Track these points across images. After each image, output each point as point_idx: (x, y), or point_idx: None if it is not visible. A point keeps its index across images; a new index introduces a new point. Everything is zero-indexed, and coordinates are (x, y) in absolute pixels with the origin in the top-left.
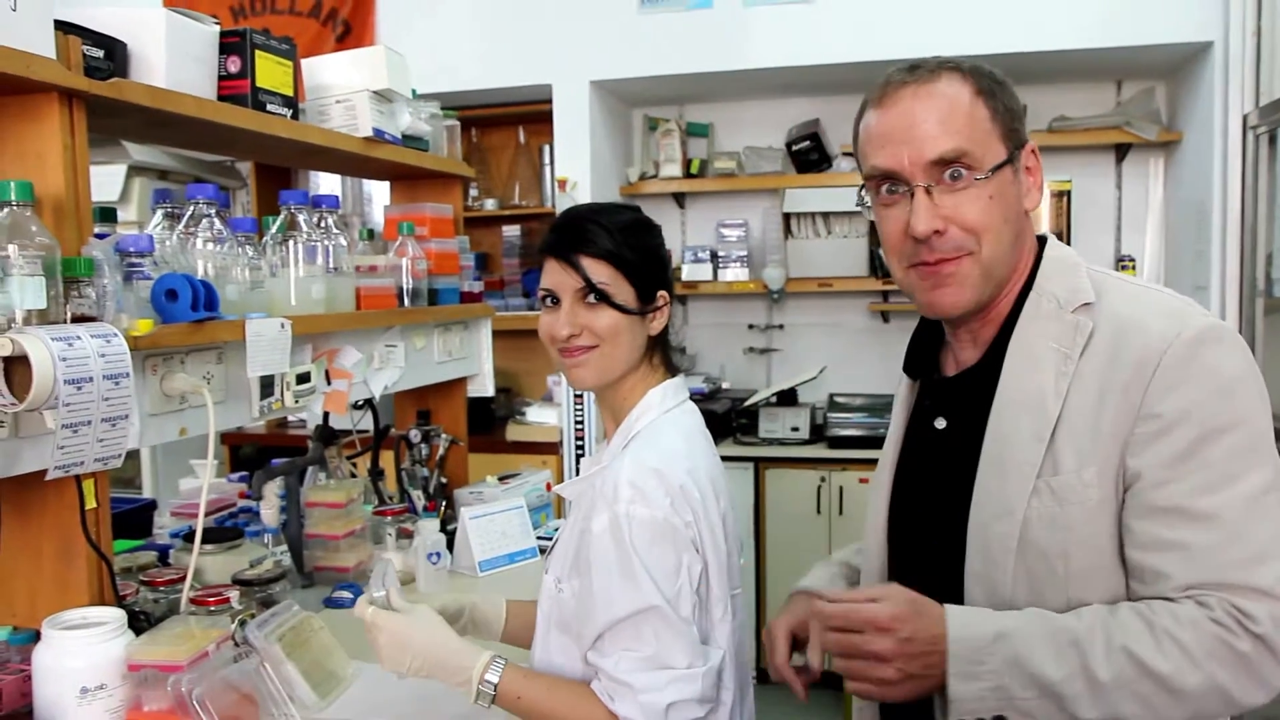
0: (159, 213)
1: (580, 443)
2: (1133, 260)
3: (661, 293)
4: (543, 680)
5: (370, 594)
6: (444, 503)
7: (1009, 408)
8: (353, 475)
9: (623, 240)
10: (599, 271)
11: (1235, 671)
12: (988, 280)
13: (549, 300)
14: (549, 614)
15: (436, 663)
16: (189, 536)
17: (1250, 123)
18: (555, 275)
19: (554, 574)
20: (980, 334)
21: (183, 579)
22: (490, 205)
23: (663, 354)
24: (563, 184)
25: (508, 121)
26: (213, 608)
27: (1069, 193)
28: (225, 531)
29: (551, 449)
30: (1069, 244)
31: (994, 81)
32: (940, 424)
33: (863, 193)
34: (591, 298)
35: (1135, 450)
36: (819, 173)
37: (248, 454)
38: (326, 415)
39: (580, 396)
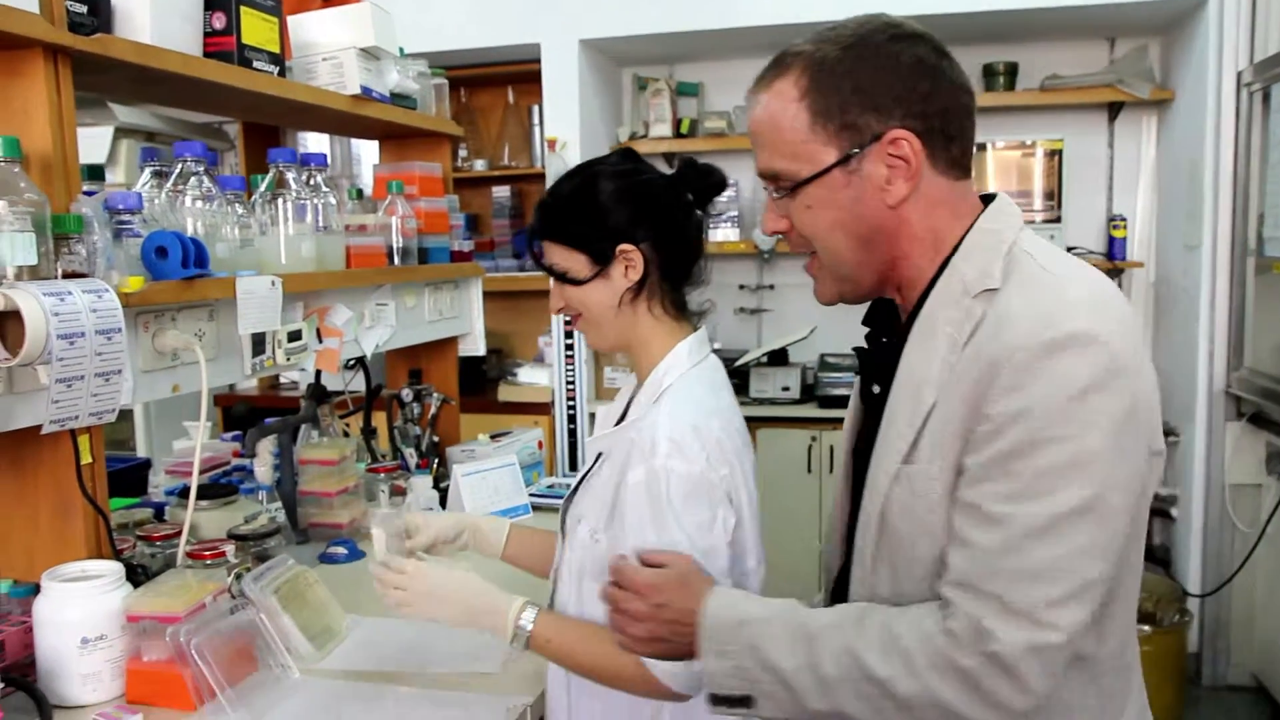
0: (146, 171)
1: (572, 403)
2: (1124, 220)
3: (621, 246)
4: (575, 627)
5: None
6: (436, 460)
7: (899, 388)
8: (345, 434)
9: (563, 212)
10: (552, 253)
11: (957, 687)
12: (840, 280)
13: None
14: (582, 564)
15: (471, 609)
16: (185, 494)
17: (1244, 80)
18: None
19: (589, 525)
20: (907, 302)
21: (179, 534)
22: (480, 166)
23: (663, 300)
24: (552, 144)
25: (497, 81)
26: (209, 561)
27: (1060, 152)
28: (220, 488)
29: (543, 409)
30: (1058, 205)
31: (845, 70)
32: (875, 389)
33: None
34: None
35: (970, 449)
36: None
37: (240, 413)
38: (318, 374)
39: (571, 357)
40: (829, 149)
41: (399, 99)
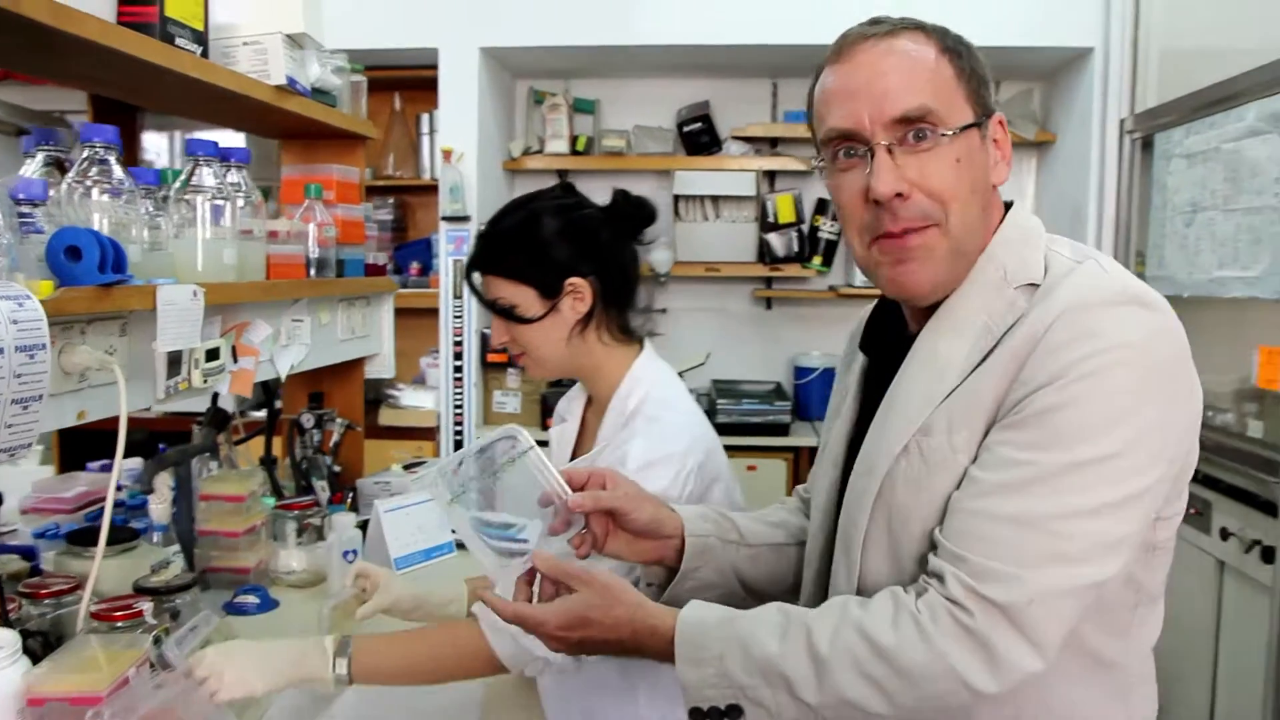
0: (39, 156)
1: (459, 426)
2: None
3: (571, 280)
4: (394, 638)
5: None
6: (351, 494)
7: (913, 365)
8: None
9: (508, 246)
10: (497, 287)
11: (970, 649)
12: (957, 257)
13: None
14: None
15: (283, 665)
16: (72, 538)
17: (1127, 127)
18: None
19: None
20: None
21: (73, 589)
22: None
23: (609, 326)
24: (448, 155)
25: (383, 87)
26: (120, 623)
27: None
28: (119, 531)
29: (428, 434)
30: None
31: (960, 43)
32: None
33: (817, 162)
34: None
35: (1003, 411)
36: (709, 155)
37: (136, 440)
38: (215, 397)
39: (459, 379)
40: (967, 108)
41: (319, 94)
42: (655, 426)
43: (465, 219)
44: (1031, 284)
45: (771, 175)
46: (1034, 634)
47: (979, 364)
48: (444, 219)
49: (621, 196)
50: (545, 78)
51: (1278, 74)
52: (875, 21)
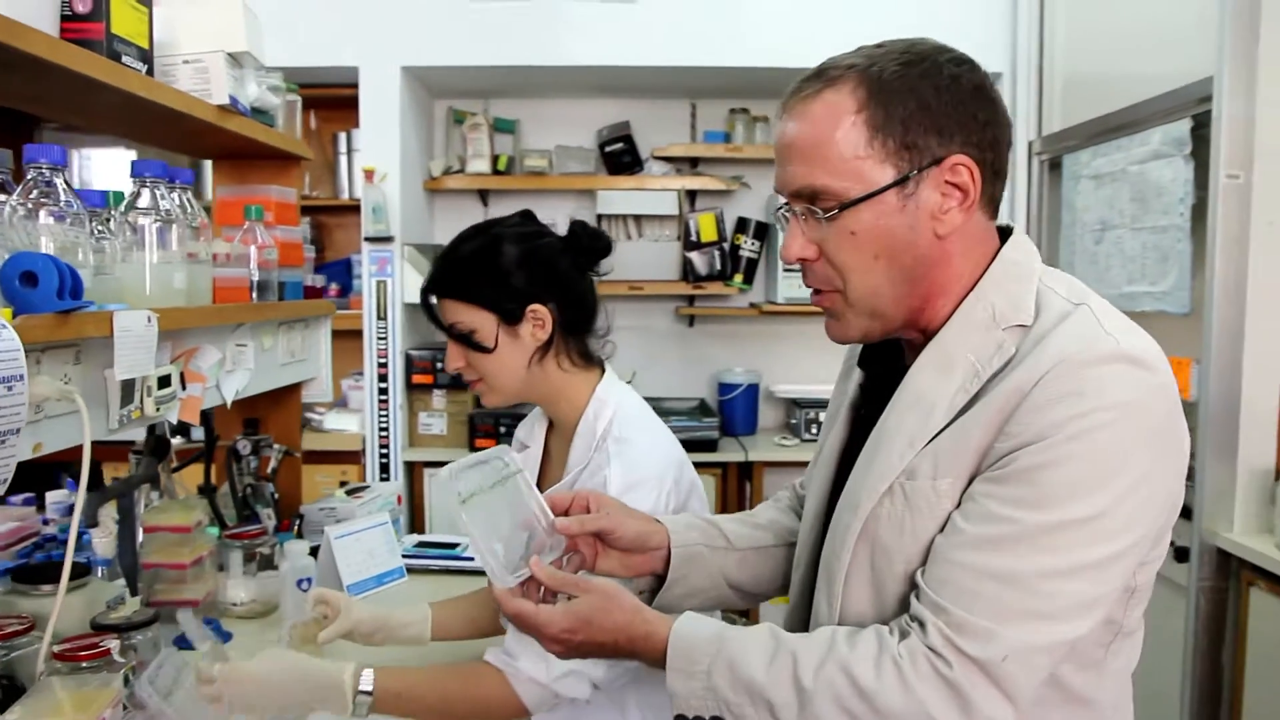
0: None
1: (385, 449)
2: None
3: (532, 306)
4: (418, 673)
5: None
6: (299, 521)
7: (900, 406)
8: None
9: (470, 272)
10: (455, 312)
11: (946, 699)
12: (872, 317)
13: None
14: None
15: (301, 692)
16: (16, 575)
17: (1035, 149)
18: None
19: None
20: (925, 337)
21: (27, 630)
22: None
23: (569, 353)
24: (370, 175)
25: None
26: (85, 663)
27: None
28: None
29: (352, 458)
30: None
31: (905, 87)
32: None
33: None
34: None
35: (988, 462)
36: (631, 175)
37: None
38: (153, 425)
39: (385, 402)
40: (885, 168)
41: (257, 113)
42: (628, 449)
43: (389, 239)
44: (1021, 325)
45: (693, 194)
46: (1008, 687)
47: (965, 407)
48: (367, 239)
49: (580, 227)
50: (464, 97)
51: (1179, 101)
52: (817, 72)
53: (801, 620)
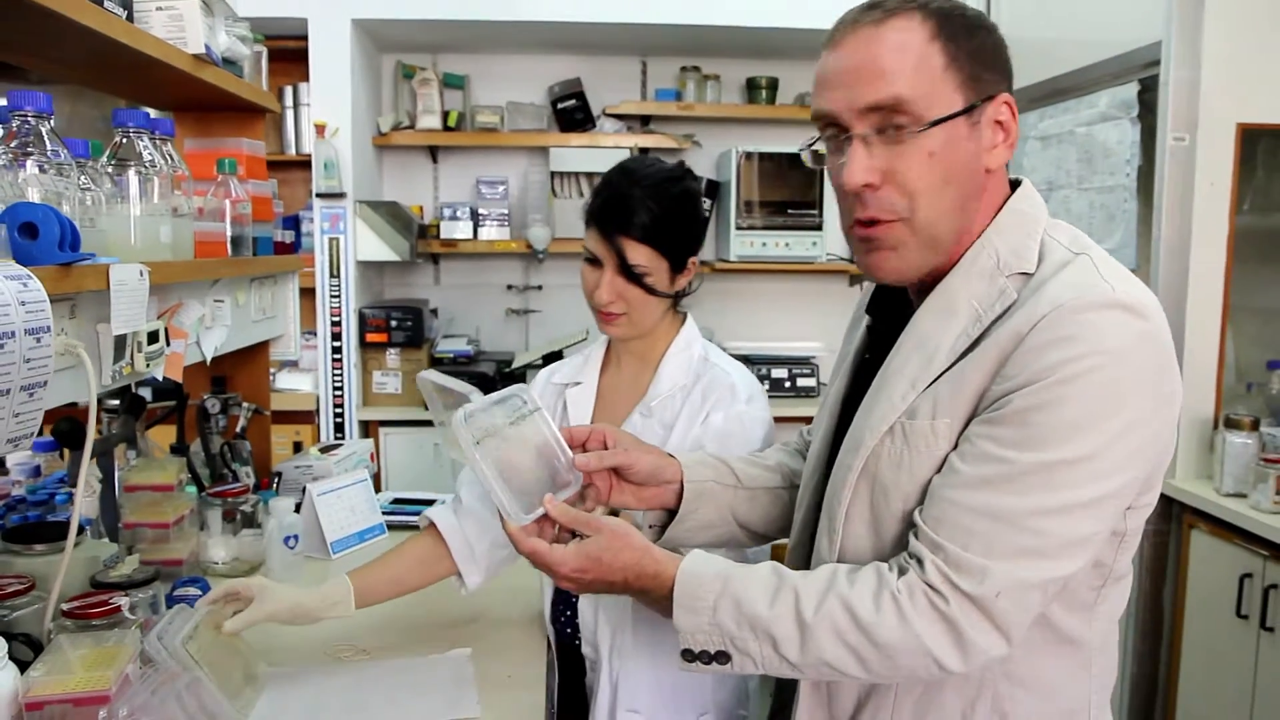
0: None
1: (339, 408)
2: None
3: (692, 259)
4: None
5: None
6: (278, 479)
7: (904, 348)
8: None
9: (665, 219)
10: (637, 254)
11: (941, 631)
12: (929, 248)
13: (593, 261)
14: None
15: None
16: (7, 535)
17: None
18: (599, 245)
19: None
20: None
21: (28, 590)
22: None
23: (677, 299)
24: (321, 129)
25: None
26: (96, 620)
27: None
28: (62, 528)
29: (306, 417)
30: (820, 213)
31: (964, 24)
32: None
33: (816, 144)
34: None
35: (984, 405)
36: (584, 132)
37: (64, 429)
38: (128, 384)
39: (339, 360)
40: (956, 95)
41: (228, 64)
42: (738, 365)
43: (341, 195)
44: (1024, 273)
45: (645, 152)
46: (1001, 622)
47: (966, 351)
48: (318, 195)
49: (711, 188)
50: (412, 51)
51: (1127, 65)
52: (872, 5)
53: (803, 559)
